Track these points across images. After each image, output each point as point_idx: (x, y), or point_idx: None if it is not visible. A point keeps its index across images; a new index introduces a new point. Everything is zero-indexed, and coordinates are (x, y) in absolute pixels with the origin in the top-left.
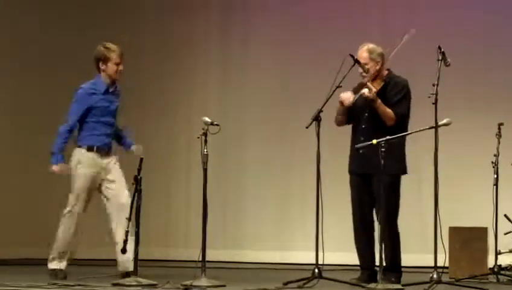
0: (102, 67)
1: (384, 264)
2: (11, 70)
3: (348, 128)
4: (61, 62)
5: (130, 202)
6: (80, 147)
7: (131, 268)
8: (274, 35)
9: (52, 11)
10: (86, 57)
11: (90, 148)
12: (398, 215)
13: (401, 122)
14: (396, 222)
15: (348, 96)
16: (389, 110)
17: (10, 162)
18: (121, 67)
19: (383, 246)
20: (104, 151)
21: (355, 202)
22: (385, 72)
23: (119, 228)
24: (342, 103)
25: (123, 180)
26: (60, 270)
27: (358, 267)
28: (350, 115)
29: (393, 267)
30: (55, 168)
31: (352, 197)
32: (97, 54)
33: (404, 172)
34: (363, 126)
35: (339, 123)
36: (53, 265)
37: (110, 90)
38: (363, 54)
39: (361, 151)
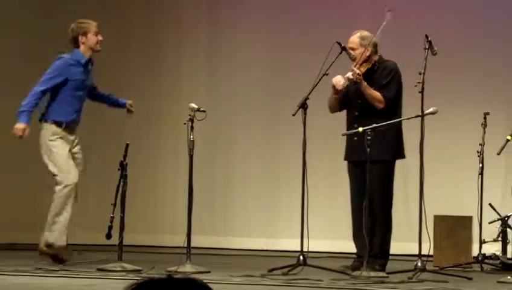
0: (82, 40)
1: (373, 250)
2: None
3: (336, 115)
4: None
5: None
6: (46, 121)
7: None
8: (263, 24)
9: None
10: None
11: (58, 124)
12: (392, 201)
13: (393, 107)
14: (389, 209)
15: (339, 80)
16: (376, 93)
17: None
18: (100, 37)
19: (374, 232)
20: (71, 128)
21: (352, 190)
22: (376, 58)
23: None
24: (333, 86)
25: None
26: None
27: (344, 255)
28: (343, 102)
29: (382, 255)
30: (22, 125)
31: (350, 184)
32: (75, 30)
33: (398, 157)
34: (356, 113)
35: (332, 109)
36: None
37: (89, 64)
38: (354, 39)
39: (355, 138)
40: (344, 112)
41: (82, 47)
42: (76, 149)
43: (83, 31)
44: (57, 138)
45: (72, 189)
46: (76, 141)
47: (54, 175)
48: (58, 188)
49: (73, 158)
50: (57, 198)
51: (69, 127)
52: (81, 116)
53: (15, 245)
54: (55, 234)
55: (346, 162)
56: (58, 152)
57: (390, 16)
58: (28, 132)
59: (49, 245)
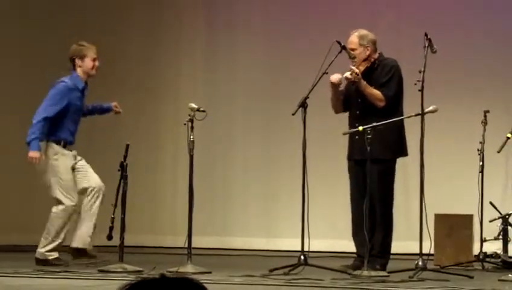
0: (79, 63)
1: (373, 250)
2: None
3: (335, 114)
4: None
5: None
6: (47, 141)
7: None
8: (261, 24)
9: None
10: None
11: (57, 143)
12: (393, 200)
13: (394, 105)
14: (390, 208)
15: (336, 77)
16: (376, 92)
17: None
18: (97, 63)
19: (374, 231)
20: (68, 146)
21: (353, 188)
22: (375, 56)
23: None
24: (332, 84)
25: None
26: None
27: (345, 255)
28: (345, 101)
29: (382, 254)
30: (36, 154)
31: (350, 183)
32: (73, 52)
33: (400, 155)
34: (357, 112)
35: (336, 110)
36: (53, 255)
37: (85, 89)
38: (353, 39)
39: (357, 137)
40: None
41: (78, 70)
42: (79, 164)
43: (80, 54)
44: (60, 156)
45: (71, 211)
46: (76, 154)
47: (57, 196)
48: (58, 208)
49: (78, 171)
50: (57, 218)
51: (67, 145)
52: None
53: (14, 247)
54: (47, 252)
55: (347, 160)
56: (62, 173)
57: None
58: (43, 158)
59: (42, 261)
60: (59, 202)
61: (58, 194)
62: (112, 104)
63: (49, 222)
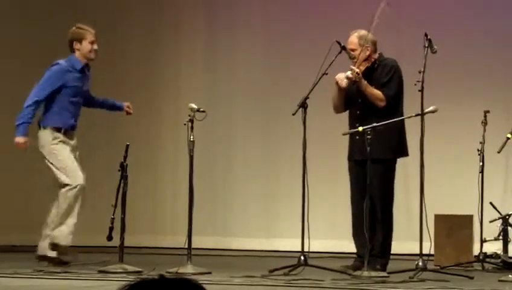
0: (77, 46)
1: (374, 250)
2: None
3: (335, 114)
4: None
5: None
6: (45, 128)
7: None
8: (261, 24)
9: None
10: None
11: (57, 130)
12: (393, 201)
13: (395, 105)
14: (391, 208)
15: (342, 77)
16: (376, 91)
17: None
18: (95, 46)
19: (375, 232)
20: (70, 133)
21: (353, 189)
22: (376, 56)
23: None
24: (337, 83)
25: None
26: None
27: (345, 255)
28: (346, 101)
29: (382, 254)
30: (22, 139)
31: (351, 183)
32: (71, 35)
33: (400, 155)
34: (358, 112)
35: (337, 110)
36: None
37: (85, 70)
38: (353, 39)
39: (357, 137)
40: (346, 112)
41: (76, 53)
42: (76, 154)
43: (78, 37)
44: (59, 141)
45: (80, 189)
46: (76, 145)
47: (60, 178)
48: (64, 189)
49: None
50: (64, 199)
51: (68, 132)
52: (78, 122)
53: (13, 247)
54: (61, 234)
55: (347, 161)
56: (64, 154)
57: (384, 4)
58: (28, 144)
59: (54, 245)
60: (63, 185)
61: (62, 176)
62: (125, 104)
63: (56, 205)
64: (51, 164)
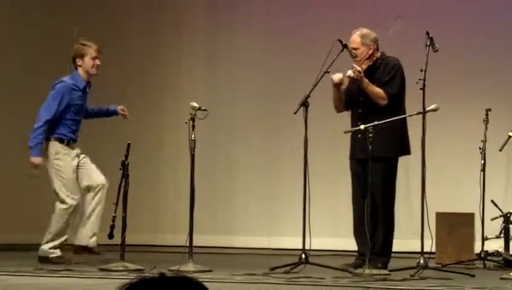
0: (79, 63)
1: (375, 248)
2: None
3: (337, 114)
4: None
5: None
6: (49, 139)
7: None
8: (262, 24)
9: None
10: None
11: (60, 141)
12: (395, 199)
13: (397, 103)
14: (392, 206)
15: (338, 76)
16: (378, 90)
17: None
18: (98, 62)
19: (376, 230)
20: (71, 144)
21: (354, 187)
22: (378, 55)
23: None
24: (334, 84)
25: (93, 166)
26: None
27: (346, 253)
28: (347, 100)
29: (384, 252)
30: (39, 160)
31: (352, 182)
32: (74, 51)
33: (402, 154)
34: (360, 111)
35: (338, 109)
36: (55, 253)
37: (87, 88)
38: (355, 38)
39: (359, 136)
40: (348, 110)
41: (79, 69)
42: (82, 161)
43: (80, 54)
44: (62, 155)
45: (73, 210)
46: (80, 152)
47: (59, 194)
48: (60, 206)
49: (82, 169)
50: (59, 216)
51: (70, 144)
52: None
53: (15, 245)
54: (50, 249)
55: (349, 159)
56: (64, 172)
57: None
58: (44, 160)
59: (43, 259)
60: (61, 201)
61: (60, 193)
62: (118, 108)
63: (52, 219)
64: (52, 177)
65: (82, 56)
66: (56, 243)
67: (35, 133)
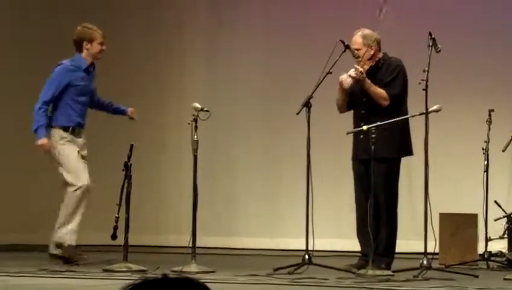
0: (87, 46)
1: (378, 249)
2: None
3: (340, 115)
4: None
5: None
6: (53, 126)
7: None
8: (263, 24)
9: None
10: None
11: (65, 129)
12: (398, 199)
13: (399, 104)
14: (395, 207)
15: (346, 78)
16: (380, 90)
17: None
18: (104, 47)
19: (379, 230)
20: (77, 131)
21: (357, 188)
22: (380, 55)
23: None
24: (341, 84)
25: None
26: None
27: (350, 254)
28: (350, 101)
29: (387, 253)
30: (44, 141)
31: (355, 182)
32: (81, 34)
33: (405, 154)
34: (363, 111)
35: (341, 109)
36: (72, 240)
37: (90, 69)
38: (357, 39)
39: (361, 136)
40: (351, 111)
41: (85, 52)
42: (85, 152)
43: (89, 38)
44: (66, 141)
45: (85, 190)
46: (84, 143)
47: (67, 178)
48: (70, 189)
49: (83, 160)
50: (70, 199)
51: (76, 130)
52: (86, 121)
53: (17, 246)
54: (66, 233)
55: (351, 160)
56: (69, 155)
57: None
58: (50, 144)
59: (59, 245)
60: (70, 184)
61: (68, 177)
62: (129, 109)
63: (61, 207)
64: (59, 163)
65: (91, 40)
66: (70, 226)
67: (37, 116)
